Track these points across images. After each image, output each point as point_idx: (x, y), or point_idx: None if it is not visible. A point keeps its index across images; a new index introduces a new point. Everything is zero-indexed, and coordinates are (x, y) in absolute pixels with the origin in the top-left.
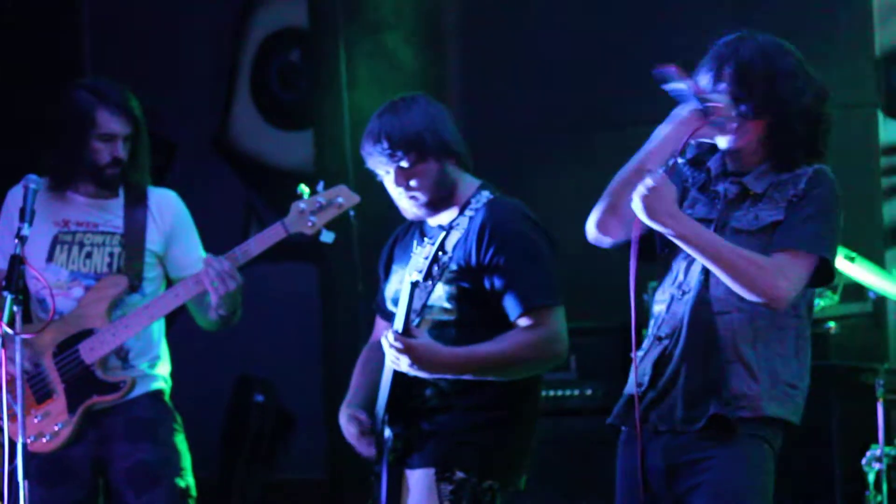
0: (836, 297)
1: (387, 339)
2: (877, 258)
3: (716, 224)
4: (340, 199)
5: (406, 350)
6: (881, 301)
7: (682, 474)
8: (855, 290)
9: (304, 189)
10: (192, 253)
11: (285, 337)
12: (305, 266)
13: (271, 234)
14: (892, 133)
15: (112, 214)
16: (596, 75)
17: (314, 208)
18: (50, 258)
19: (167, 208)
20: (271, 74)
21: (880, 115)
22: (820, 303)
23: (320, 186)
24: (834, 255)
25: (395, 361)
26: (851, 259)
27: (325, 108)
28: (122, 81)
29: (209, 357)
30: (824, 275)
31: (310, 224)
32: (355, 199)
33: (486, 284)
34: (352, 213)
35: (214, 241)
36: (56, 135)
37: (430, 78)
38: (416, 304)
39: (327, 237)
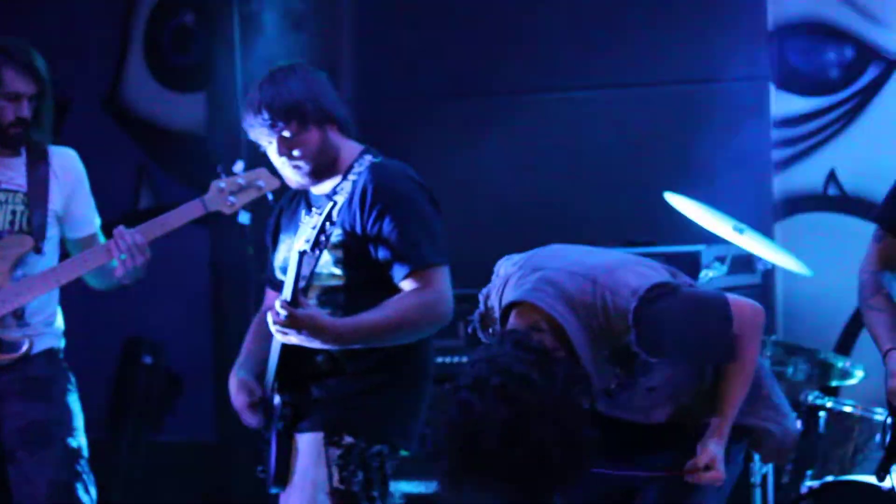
0: (725, 269)
1: (272, 311)
2: (766, 230)
3: None
4: (261, 183)
5: (292, 321)
6: (769, 273)
7: None
8: (744, 262)
9: (224, 168)
10: (88, 213)
11: (175, 299)
12: (196, 229)
13: (189, 210)
14: (784, 106)
15: (14, 172)
16: (494, 41)
17: (234, 188)
18: None
19: (69, 167)
20: (165, 36)
21: (772, 88)
22: (708, 273)
23: (239, 167)
24: None
25: (283, 332)
26: (741, 231)
27: (217, 69)
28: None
29: (98, 318)
30: None
31: (229, 203)
32: (275, 182)
33: (371, 248)
34: (269, 195)
35: (106, 202)
36: None
37: (323, 41)
38: (305, 272)
39: (244, 218)
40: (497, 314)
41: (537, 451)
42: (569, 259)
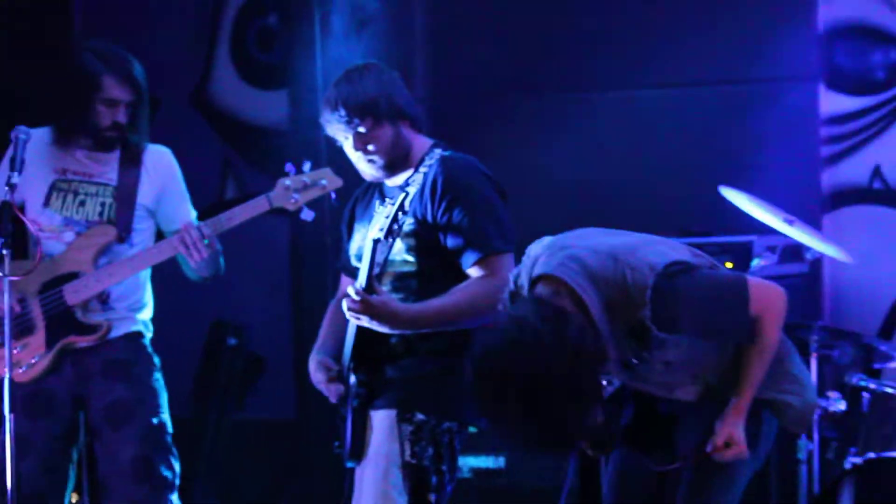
0: (775, 258)
1: (347, 297)
2: (814, 222)
3: None
4: (324, 182)
5: (366, 307)
6: (817, 263)
7: None
8: (793, 252)
9: (292, 167)
10: (181, 208)
11: (258, 285)
12: (278, 218)
13: (255, 206)
14: (832, 105)
15: (108, 167)
16: (560, 41)
17: (298, 186)
18: (46, 203)
19: (161, 164)
20: (249, 37)
21: (822, 88)
22: (760, 261)
23: (307, 166)
24: None
25: (357, 318)
26: (790, 222)
27: (299, 68)
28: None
29: (188, 303)
30: None
31: (293, 201)
32: (338, 182)
33: (441, 236)
34: (333, 194)
35: (194, 193)
36: (62, 93)
37: (397, 41)
38: (379, 259)
39: (307, 215)
40: (525, 291)
41: (549, 394)
42: (594, 239)
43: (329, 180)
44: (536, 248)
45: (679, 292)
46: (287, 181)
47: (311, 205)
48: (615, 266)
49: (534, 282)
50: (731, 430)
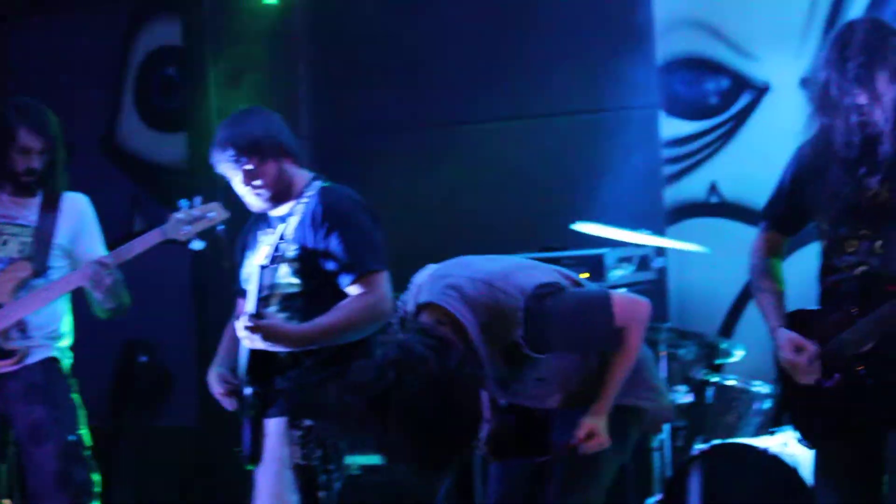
0: (632, 268)
1: (240, 321)
2: (660, 233)
3: None
4: (212, 214)
5: (256, 330)
6: (662, 271)
7: None
8: (642, 262)
9: (185, 202)
10: (94, 247)
11: (166, 307)
12: (182, 250)
13: (150, 238)
14: (672, 129)
15: (29, 210)
16: (430, 77)
17: (189, 219)
18: None
19: (76, 210)
20: (152, 85)
21: (662, 114)
22: (618, 272)
23: (198, 201)
24: None
25: (250, 339)
26: (643, 232)
27: (194, 113)
28: (35, 97)
29: (103, 326)
30: None
31: (183, 232)
32: (225, 214)
33: (321, 261)
34: (220, 226)
35: (106, 228)
36: None
37: (282, 83)
38: (265, 283)
39: (197, 245)
40: (411, 318)
41: (429, 417)
42: (472, 267)
43: (217, 212)
44: (421, 277)
45: (548, 312)
46: (179, 214)
47: (205, 234)
48: (490, 291)
49: (419, 309)
50: (592, 425)
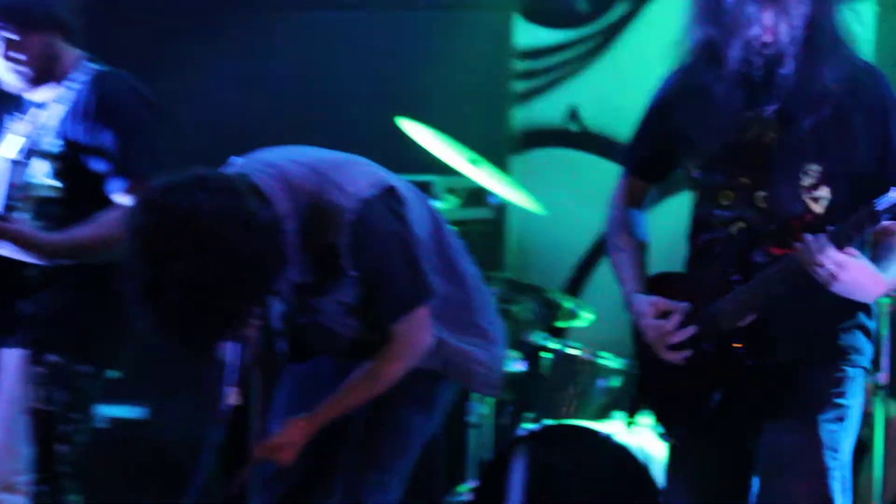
0: (457, 201)
1: None
2: (502, 164)
3: None
4: None
5: (1, 235)
6: (502, 208)
7: None
8: (476, 196)
9: None
10: None
11: None
12: None
13: None
14: (528, 37)
15: None
16: None
17: None
18: None
19: None
20: None
21: (518, 19)
22: (440, 205)
23: None
24: None
25: None
26: (475, 163)
27: None
28: None
29: None
30: None
31: None
32: None
33: (90, 160)
34: None
35: None
36: None
37: None
38: (17, 181)
39: None
40: None
41: (215, 259)
42: (298, 152)
43: None
44: (232, 163)
45: (379, 227)
46: None
47: None
48: (317, 180)
49: None
50: (295, 437)
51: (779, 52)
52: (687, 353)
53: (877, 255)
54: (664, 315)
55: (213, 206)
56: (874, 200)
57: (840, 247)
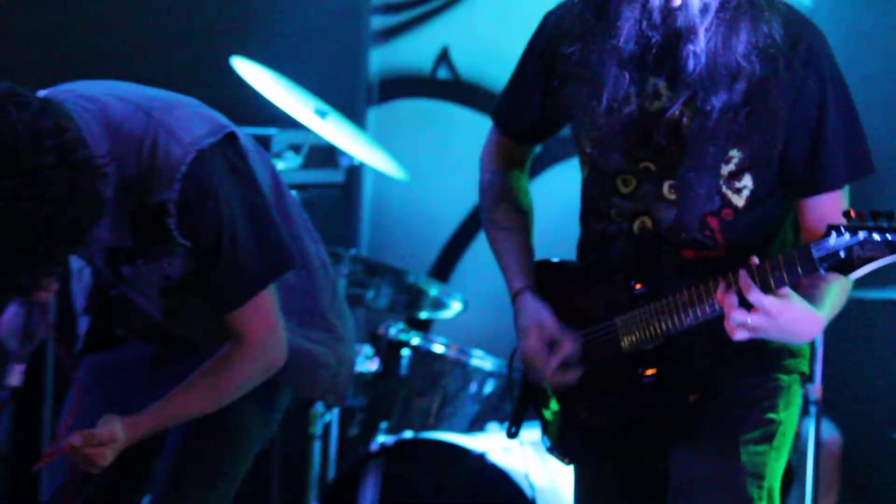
0: (299, 160)
1: None
2: (357, 116)
3: None
4: None
5: None
6: (355, 171)
7: None
8: (325, 155)
9: None
10: None
11: None
12: None
13: None
14: None
15: None
16: None
17: None
18: None
19: None
20: None
21: None
22: (279, 164)
23: None
24: None
25: None
26: (323, 115)
27: None
28: None
29: None
30: None
31: None
32: None
33: None
34: None
35: None
36: None
37: None
38: None
39: None
40: None
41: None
42: (121, 87)
43: None
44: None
45: (217, 193)
46: None
47: None
48: (147, 123)
49: None
50: (116, 435)
51: (688, 18)
52: (577, 373)
53: (805, 291)
54: (551, 344)
55: (30, 129)
56: (809, 245)
57: (766, 289)
